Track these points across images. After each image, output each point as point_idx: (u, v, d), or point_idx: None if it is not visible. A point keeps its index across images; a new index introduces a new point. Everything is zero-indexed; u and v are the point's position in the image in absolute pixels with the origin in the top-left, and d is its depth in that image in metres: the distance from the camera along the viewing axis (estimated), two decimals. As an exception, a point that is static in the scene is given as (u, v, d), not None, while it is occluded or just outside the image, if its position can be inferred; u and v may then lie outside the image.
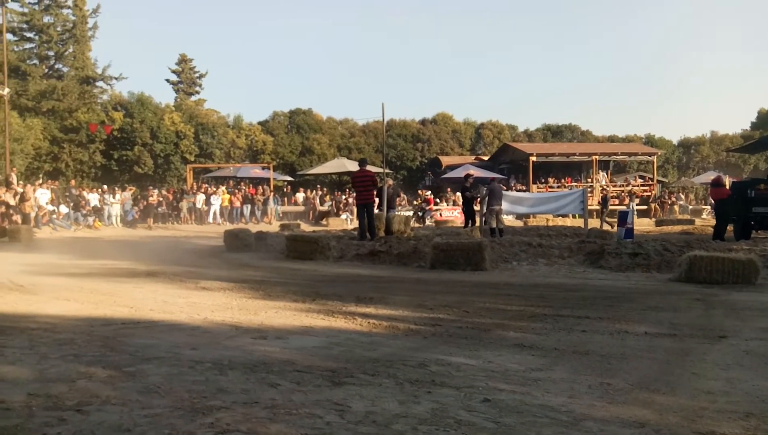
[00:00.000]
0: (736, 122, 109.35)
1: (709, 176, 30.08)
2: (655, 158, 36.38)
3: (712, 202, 21.58)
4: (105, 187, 25.49)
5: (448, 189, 34.15)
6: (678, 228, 21.34)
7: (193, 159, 35.01)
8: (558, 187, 32.83)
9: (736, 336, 4.84)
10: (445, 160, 39.59)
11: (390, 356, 4.05)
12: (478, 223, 15.98)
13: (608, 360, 4.05)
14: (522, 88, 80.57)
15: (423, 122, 47.03)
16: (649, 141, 45.07)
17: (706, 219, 26.93)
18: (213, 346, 4.30)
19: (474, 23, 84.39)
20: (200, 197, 26.70)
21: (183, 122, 35.72)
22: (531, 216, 23.58)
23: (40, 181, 25.54)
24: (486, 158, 39.45)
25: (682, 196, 35.10)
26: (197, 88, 44.36)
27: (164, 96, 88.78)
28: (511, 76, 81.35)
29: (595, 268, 9.83)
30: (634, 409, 3.04)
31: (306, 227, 22.17)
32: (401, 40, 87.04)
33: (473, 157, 40.85)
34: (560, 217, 23.68)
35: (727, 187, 16.13)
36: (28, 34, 35.33)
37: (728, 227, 14.85)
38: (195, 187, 28.95)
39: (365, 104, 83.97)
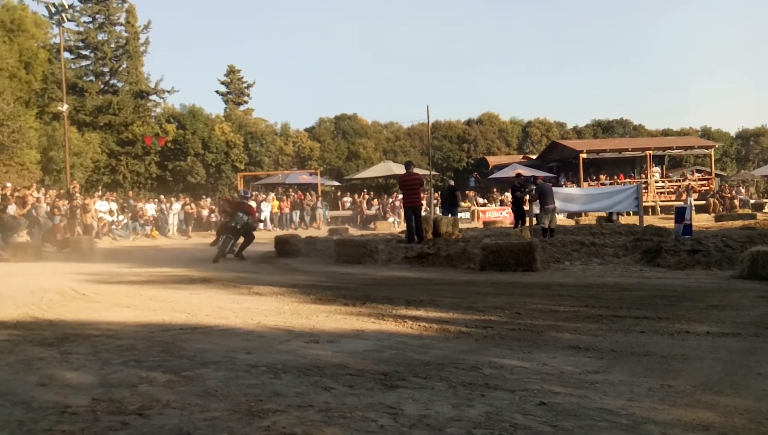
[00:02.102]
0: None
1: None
2: (712, 151, 34.99)
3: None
4: (161, 197, 26.35)
5: (494, 189, 33.78)
6: (739, 223, 20.45)
7: (243, 167, 35.83)
8: (610, 183, 31.96)
9: (808, 335, 4.60)
10: (492, 160, 39.21)
11: (442, 359, 4.03)
12: (528, 223, 15.73)
13: (669, 361, 3.91)
14: (570, 84, 78.99)
15: (468, 123, 46.74)
16: (706, 134, 43.48)
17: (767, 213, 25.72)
18: (267, 350, 4.38)
19: (517, 19, 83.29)
20: (251, 204, 27.26)
21: (233, 132, 36.64)
22: (583, 214, 23.07)
23: (99, 192, 26.66)
24: (534, 157, 38.85)
25: (742, 190, 33.66)
26: (245, 98, 45.39)
27: (214, 107, 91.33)
28: (559, 73, 79.84)
29: (653, 266, 9.53)
30: (697, 411, 2.92)
31: (354, 231, 22.34)
32: (447, 40, 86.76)
33: (521, 156, 40.30)
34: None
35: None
36: (84, 52, 36.95)
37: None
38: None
39: (410, 107, 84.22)
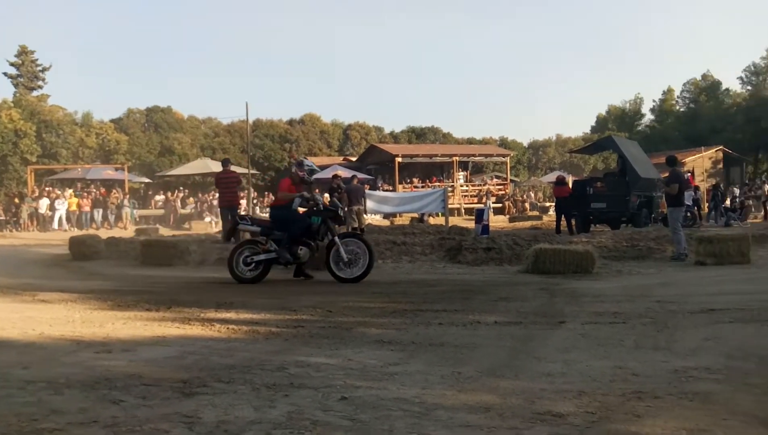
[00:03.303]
0: (579, 126, 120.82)
1: (553, 176, 32.85)
2: (508, 159, 39.00)
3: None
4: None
5: (317, 190, 34.09)
6: (528, 224, 23.07)
7: (34, 160, 31.82)
8: (422, 186, 34.02)
9: (574, 320, 5.29)
10: (314, 161, 39.43)
11: (248, 362, 3.93)
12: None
13: (461, 350, 4.24)
14: (388, 91, 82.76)
15: (291, 123, 46.62)
16: (503, 143, 48.25)
17: (552, 215, 29.34)
18: (49, 363, 3.91)
19: (340, 23, 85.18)
20: (44, 202, 24.34)
21: (23, 120, 32.34)
22: (398, 215, 24.29)
23: None
24: (354, 159, 39.95)
25: (532, 194, 37.91)
26: (39, 83, 40.39)
27: (1, 91, 79.90)
28: (376, 78, 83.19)
29: (454, 263, 10.31)
30: (481, 395, 3.20)
31: (166, 232, 21.02)
32: (270, 36, 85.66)
33: (341, 158, 41.18)
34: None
35: (570, 185, 17.72)
36: None
37: (571, 221, 16.33)
38: (37, 190, 26.33)
39: (230, 103, 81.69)
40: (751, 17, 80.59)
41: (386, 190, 30.93)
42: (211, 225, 24.20)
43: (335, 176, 17.27)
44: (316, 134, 46.10)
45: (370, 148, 40.08)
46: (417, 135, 49.84)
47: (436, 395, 3.19)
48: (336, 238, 8.15)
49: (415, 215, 24.19)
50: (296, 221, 8.28)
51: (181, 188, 31.47)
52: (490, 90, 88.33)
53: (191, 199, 29.67)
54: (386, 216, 25.00)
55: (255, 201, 24.94)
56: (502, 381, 3.47)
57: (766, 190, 25.92)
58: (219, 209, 14.16)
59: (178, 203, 28.30)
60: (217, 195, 17.13)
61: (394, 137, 49.35)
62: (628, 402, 3.03)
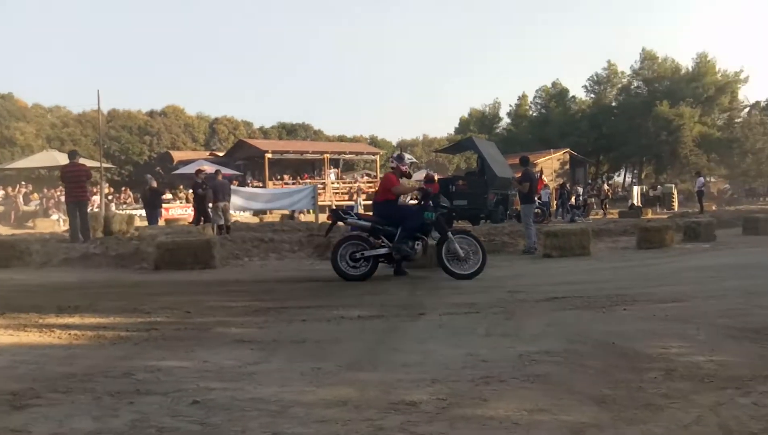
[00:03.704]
0: (444, 127, 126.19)
1: (422, 174, 34.04)
2: (378, 157, 39.76)
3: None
4: None
5: (180, 186, 32.51)
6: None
7: None
8: (293, 183, 33.68)
9: (433, 312, 5.49)
10: (177, 156, 37.67)
11: (90, 369, 3.62)
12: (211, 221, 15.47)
13: (322, 345, 4.23)
14: (258, 85, 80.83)
15: (151, 114, 43.97)
16: (373, 141, 49.16)
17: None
18: None
19: (207, 11, 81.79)
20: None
21: None
22: (268, 211, 23.85)
23: None
24: (221, 154, 38.61)
25: (401, 192, 38.91)
26: None
27: None
28: (245, 72, 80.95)
29: (322, 259, 10.28)
30: (339, 389, 3.20)
31: (5, 230, 18.92)
32: (128, 19, 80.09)
33: (208, 153, 39.63)
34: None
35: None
36: None
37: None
38: None
39: (82, 91, 75.36)
40: (595, 31, 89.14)
41: (256, 187, 30.24)
42: (58, 223, 22.14)
43: (199, 171, 16.53)
44: (179, 127, 43.92)
45: (238, 143, 38.98)
46: (288, 131, 49.30)
47: (294, 392, 3.14)
48: (449, 234, 7.88)
49: (286, 212, 23.96)
50: (411, 216, 7.93)
51: (24, 183, 28.47)
52: (360, 89, 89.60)
53: (35, 194, 26.97)
54: (256, 213, 24.48)
55: (110, 197, 23.16)
56: (361, 374, 3.50)
57: (605, 189, 28.77)
58: (66, 206, 12.97)
59: (20, 199, 25.58)
60: (64, 190, 15.65)
61: (264, 133, 48.40)
62: (477, 387, 3.19)
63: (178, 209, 28.44)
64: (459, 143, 28.67)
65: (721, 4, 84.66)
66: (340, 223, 8.38)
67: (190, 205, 25.53)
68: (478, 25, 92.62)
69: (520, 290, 6.71)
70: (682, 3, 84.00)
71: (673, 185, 36.13)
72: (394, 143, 52.99)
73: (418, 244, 7.88)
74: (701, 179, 26.55)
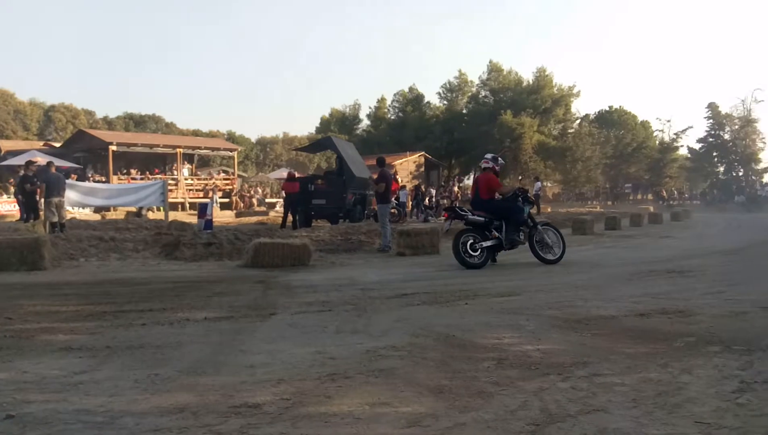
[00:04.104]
0: (306, 125, 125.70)
1: (283, 172, 33.61)
2: (236, 154, 38.58)
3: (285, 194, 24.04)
4: None
5: (11, 179, 29.11)
6: (255, 219, 23.15)
7: None
8: (141, 178, 31.57)
9: (285, 311, 5.42)
10: (6, 145, 33.79)
11: None
12: (42, 217, 14.00)
13: (163, 350, 3.99)
14: (98, 71, 74.70)
15: (-28, 97, 38.90)
16: (231, 137, 47.62)
17: (279, 211, 29.98)
18: None
19: None
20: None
21: None
22: (112, 208, 22.13)
23: None
24: (58, 145, 35.17)
25: (260, 190, 38.21)
26: None
27: None
28: (87, 58, 74.48)
29: (171, 259, 9.76)
30: (176, 395, 3.03)
31: None
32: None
33: (42, 143, 35.92)
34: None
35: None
36: None
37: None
38: None
39: None
40: (448, 41, 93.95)
41: (98, 181, 27.90)
42: None
43: (29, 163, 14.89)
44: (8, 114, 39.31)
45: (78, 133, 35.75)
46: (136, 123, 46.18)
47: (126, 402, 2.93)
48: (539, 226, 9.24)
49: (133, 209, 22.36)
50: (517, 211, 9.10)
51: None
52: (218, 83, 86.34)
53: None
54: (97, 210, 22.61)
55: None
56: (202, 378, 3.35)
57: (455, 191, 30.38)
58: None
59: None
60: None
61: (109, 123, 44.90)
62: (323, 384, 3.19)
63: (5, 205, 25.46)
64: (318, 142, 28.66)
65: (557, 25, 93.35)
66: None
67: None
68: (335, 26, 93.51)
69: (373, 288, 6.85)
70: (524, 20, 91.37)
71: (516, 189, 39.06)
72: (253, 140, 51.79)
73: (521, 235, 9.13)
74: (538, 183, 29.03)
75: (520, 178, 47.15)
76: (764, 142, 48.06)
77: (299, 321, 5.00)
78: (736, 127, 47.90)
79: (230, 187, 35.43)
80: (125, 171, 32.47)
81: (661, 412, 2.75)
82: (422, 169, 45.14)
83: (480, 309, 5.45)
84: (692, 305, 5.43)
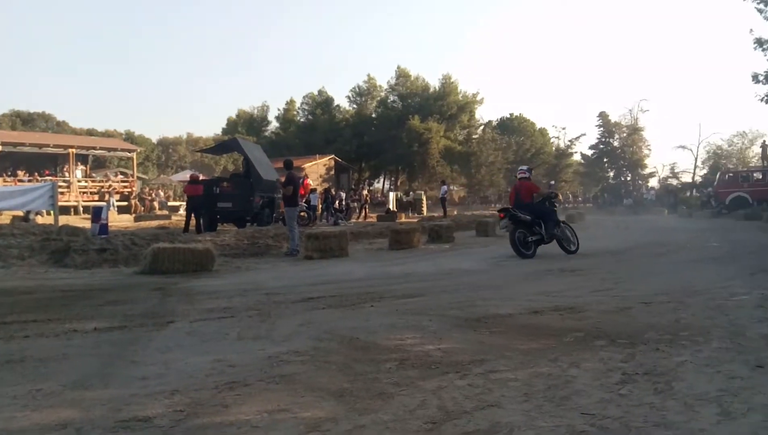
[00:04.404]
0: (211, 126, 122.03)
1: (186, 174, 32.34)
2: (135, 155, 36.75)
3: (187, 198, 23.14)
4: None
5: None
6: (156, 223, 22.14)
7: None
8: (29, 180, 29.30)
9: (184, 319, 5.22)
10: None
11: None
12: None
13: (46, 364, 3.72)
14: (-16, 64, 68.93)
15: None
16: (130, 138, 45.34)
17: (182, 214, 28.84)
18: None
19: None
20: None
21: None
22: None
23: None
24: (-71, 143, 31.91)
25: (161, 193, 36.61)
26: None
27: None
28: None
29: (60, 267, 9.15)
30: (60, 411, 2.83)
31: None
32: None
33: None
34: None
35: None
36: None
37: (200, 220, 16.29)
38: None
39: None
40: (355, 44, 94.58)
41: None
42: None
43: None
44: None
45: (-45, 130, 32.63)
46: (24, 121, 42.83)
47: (3, 419, 2.70)
48: (562, 223, 11.07)
49: (20, 213, 20.70)
50: (553, 212, 10.90)
51: None
52: (114, 79, 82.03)
53: None
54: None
55: None
56: (89, 392, 3.15)
57: (364, 194, 30.58)
58: None
59: None
60: None
61: (-8, 121, 41.38)
62: (220, 394, 3.09)
63: None
64: (223, 144, 27.88)
65: (461, 34, 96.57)
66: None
67: None
68: (241, 24, 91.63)
69: (278, 292, 6.75)
70: (431, 26, 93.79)
71: (423, 192, 39.97)
72: (154, 140, 49.55)
73: (558, 229, 10.72)
74: (445, 187, 29.83)
75: (427, 182, 48.25)
76: (649, 149, 52.12)
77: (198, 329, 4.83)
78: (625, 134, 51.52)
79: (129, 189, 33.67)
80: (11, 172, 30.04)
81: (550, 404, 2.89)
82: (332, 172, 45.11)
83: (385, 311, 5.51)
84: (582, 302, 5.77)
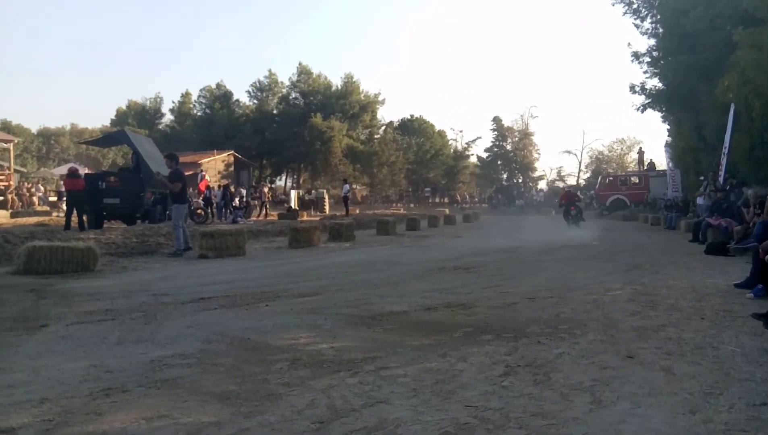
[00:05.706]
0: (99, 117, 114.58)
1: (65, 168, 30.10)
2: (12, 146, 33.75)
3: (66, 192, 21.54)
4: None
5: None
6: (35, 220, 20.46)
7: None
8: None
9: (59, 323, 4.85)
10: None
11: None
12: None
13: None
14: None
15: None
16: (6, 127, 41.66)
17: (65, 210, 26.87)
18: None
19: None
20: None
21: None
22: None
23: None
24: None
25: (42, 187, 33.94)
26: None
27: None
28: None
29: None
30: None
31: None
32: None
33: None
34: None
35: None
36: None
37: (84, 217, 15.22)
38: None
39: None
40: (255, 37, 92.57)
41: None
42: None
43: None
44: None
45: None
46: None
47: None
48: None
49: None
50: (581, 207, 19.36)
51: None
52: (-9, 63, 74.98)
53: None
54: None
55: None
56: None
57: (265, 192, 30.00)
58: None
59: None
60: None
61: None
62: (94, 401, 2.90)
63: None
64: (110, 136, 26.34)
65: (363, 34, 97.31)
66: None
67: None
68: (132, 9, 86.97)
69: (167, 293, 6.44)
70: (331, 24, 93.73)
71: (325, 190, 39.87)
72: (34, 131, 45.80)
73: (580, 214, 19.13)
74: (347, 186, 29.91)
75: (329, 181, 48.14)
76: (539, 153, 55.26)
77: (75, 333, 4.50)
78: (516, 139, 54.19)
79: (5, 183, 30.87)
80: None
81: (437, 399, 2.96)
82: (232, 168, 43.90)
83: (280, 310, 5.41)
84: (472, 298, 5.97)
